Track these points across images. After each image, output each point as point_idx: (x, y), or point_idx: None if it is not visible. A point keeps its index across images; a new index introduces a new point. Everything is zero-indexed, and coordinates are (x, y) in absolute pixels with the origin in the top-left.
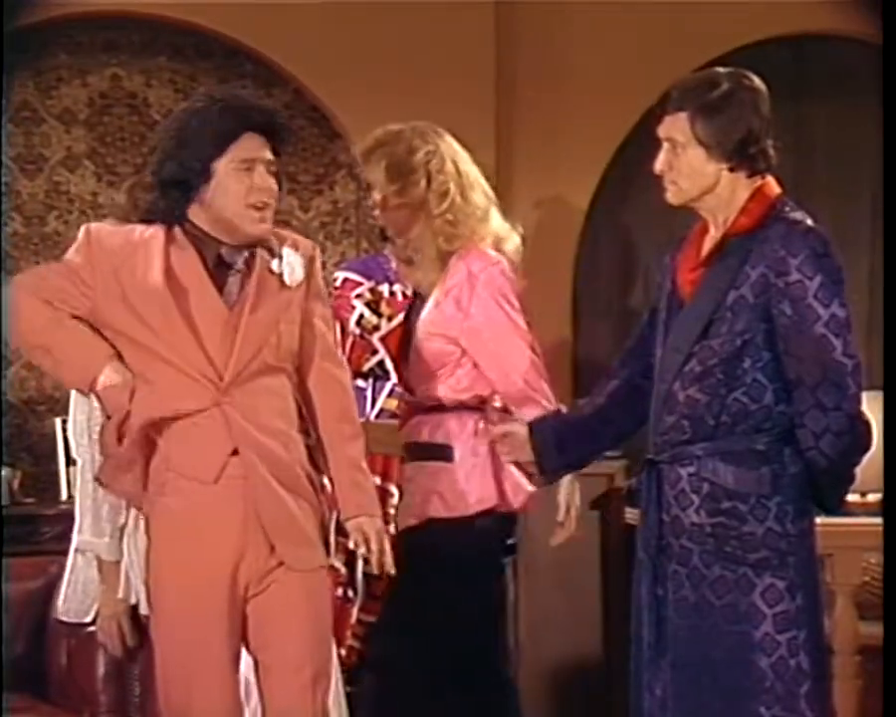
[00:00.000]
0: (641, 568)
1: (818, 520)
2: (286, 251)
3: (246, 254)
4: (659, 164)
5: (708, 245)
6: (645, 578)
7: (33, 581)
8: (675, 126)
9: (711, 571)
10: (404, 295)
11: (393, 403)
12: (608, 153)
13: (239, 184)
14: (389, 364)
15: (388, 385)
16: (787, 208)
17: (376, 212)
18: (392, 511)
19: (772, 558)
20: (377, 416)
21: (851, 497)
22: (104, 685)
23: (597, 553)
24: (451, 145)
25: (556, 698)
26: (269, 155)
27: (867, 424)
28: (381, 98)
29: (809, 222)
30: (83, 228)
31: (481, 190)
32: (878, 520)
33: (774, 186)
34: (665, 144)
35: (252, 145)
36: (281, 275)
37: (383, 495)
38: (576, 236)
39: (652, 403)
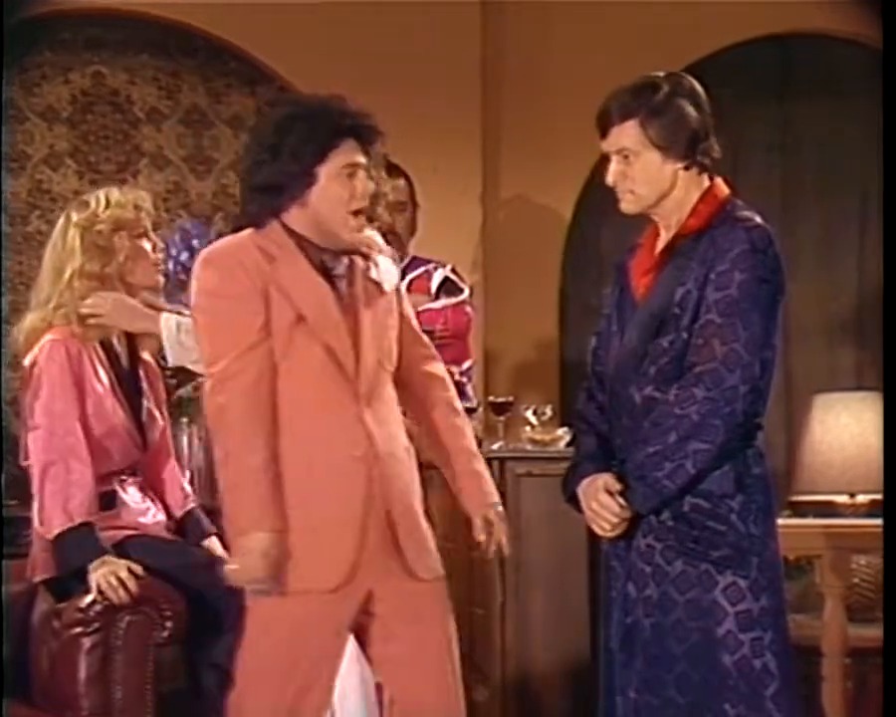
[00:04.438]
0: (609, 568)
1: (806, 521)
2: (381, 259)
3: (346, 261)
4: (612, 177)
5: (660, 247)
6: (614, 577)
7: (15, 584)
8: (625, 135)
9: (673, 567)
10: None
11: None
12: (594, 156)
13: (342, 190)
14: None
15: None
16: (737, 207)
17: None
18: None
19: (734, 556)
20: None
21: (840, 498)
22: (86, 688)
23: (585, 553)
24: None
25: (543, 699)
26: (366, 161)
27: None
28: (367, 97)
29: (757, 220)
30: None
31: None
32: (868, 521)
33: (723, 187)
34: (614, 157)
35: (352, 150)
36: (380, 283)
37: None
38: (563, 237)
39: (609, 407)
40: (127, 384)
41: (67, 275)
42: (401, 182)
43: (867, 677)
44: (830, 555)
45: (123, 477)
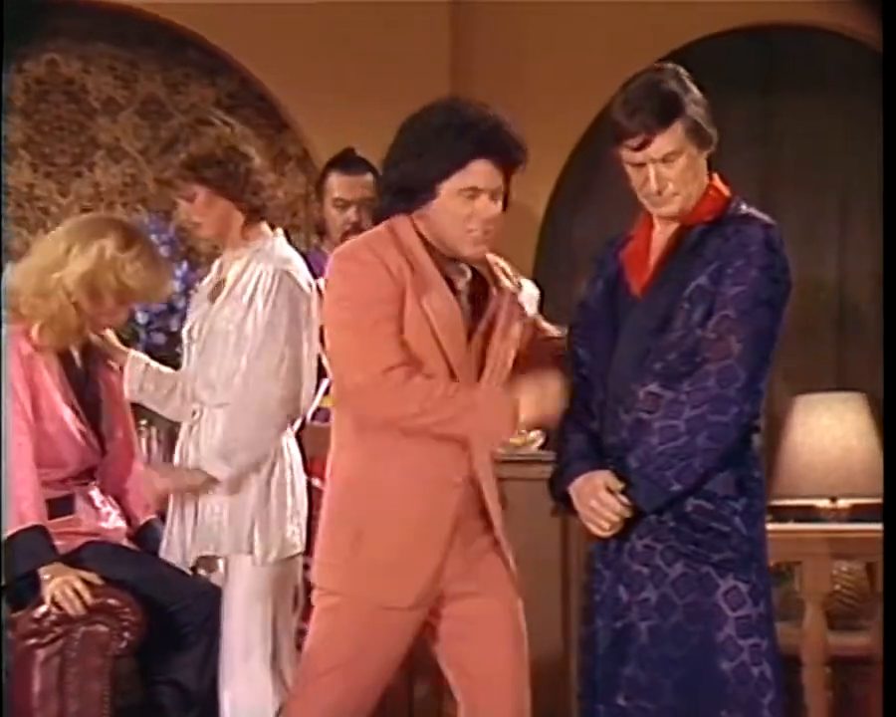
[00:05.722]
0: (594, 571)
1: (785, 526)
2: (525, 282)
3: (469, 275)
4: (656, 184)
5: (658, 241)
6: (599, 581)
7: None
8: (671, 140)
9: (673, 568)
10: None
11: (329, 401)
12: (566, 152)
13: (460, 210)
14: (325, 361)
15: (325, 383)
16: (741, 205)
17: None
18: None
19: (735, 559)
20: (314, 415)
21: (821, 503)
22: (40, 701)
23: (559, 556)
24: None
25: None
26: (496, 182)
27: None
28: (331, 95)
29: (767, 218)
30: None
31: None
32: (849, 526)
33: (723, 184)
34: (654, 166)
35: (480, 173)
36: (522, 306)
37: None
38: (536, 233)
39: (604, 403)
40: (84, 389)
41: (52, 284)
42: (368, 177)
43: (849, 686)
44: (810, 561)
45: (83, 482)
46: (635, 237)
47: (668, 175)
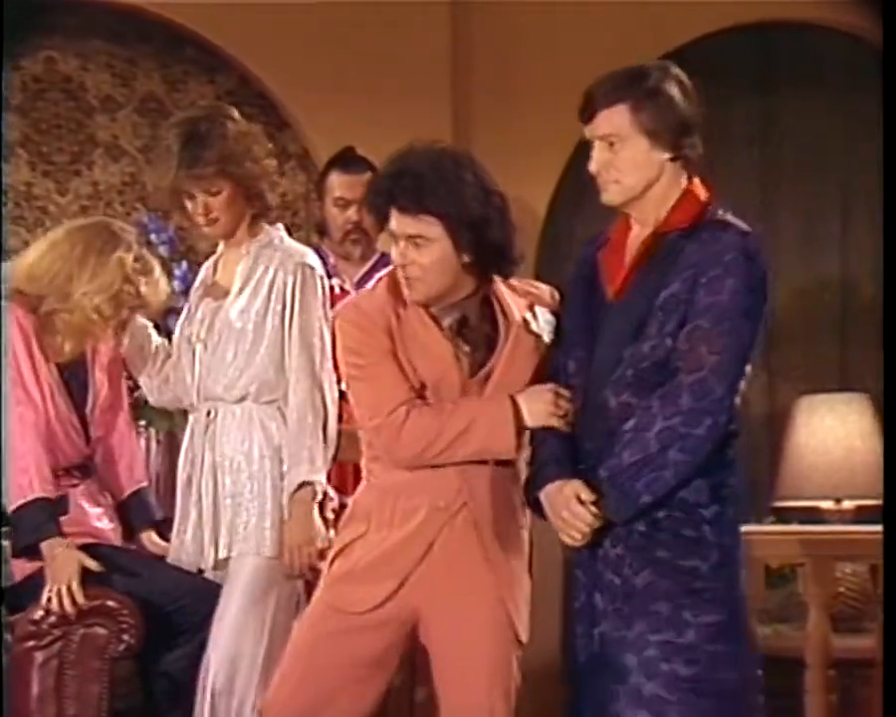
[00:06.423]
0: (573, 578)
1: (788, 527)
2: (539, 310)
3: (457, 314)
4: (596, 165)
5: (634, 244)
6: (578, 587)
7: None
8: (613, 121)
9: (640, 577)
10: (342, 289)
11: None
12: (568, 150)
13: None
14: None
15: None
16: (719, 211)
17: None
18: (331, 515)
19: (702, 567)
20: None
21: (825, 504)
22: (38, 704)
23: (559, 553)
24: None
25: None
26: (405, 229)
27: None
28: (333, 94)
29: (746, 226)
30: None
31: None
32: (853, 527)
33: (702, 188)
34: (598, 144)
35: (393, 219)
36: (539, 335)
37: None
38: (537, 232)
39: (582, 407)
40: (69, 377)
41: (76, 297)
42: (369, 176)
43: (852, 689)
44: (814, 562)
45: (74, 481)
46: (612, 238)
47: (611, 160)
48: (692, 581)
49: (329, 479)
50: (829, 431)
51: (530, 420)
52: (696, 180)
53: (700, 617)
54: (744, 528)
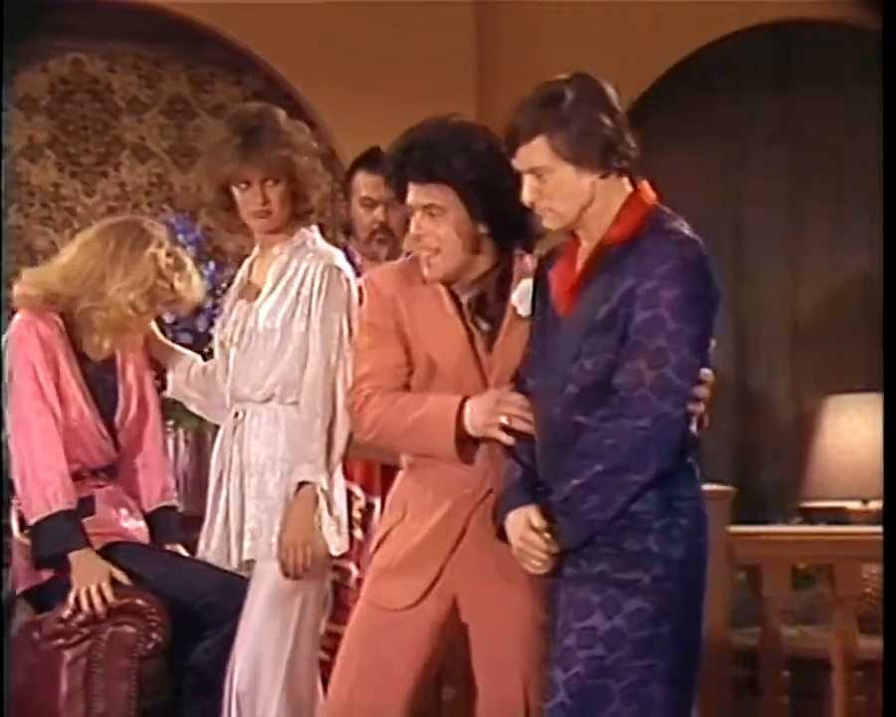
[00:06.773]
0: (551, 592)
1: (814, 529)
2: (523, 283)
3: (476, 291)
4: (528, 196)
5: (582, 258)
6: (555, 602)
7: None
8: (534, 154)
9: (577, 593)
10: None
11: None
12: None
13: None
14: None
15: None
16: (664, 217)
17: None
18: (358, 515)
19: (643, 580)
20: None
21: (851, 505)
22: (66, 702)
23: None
24: None
25: None
26: (419, 199)
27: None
28: (359, 94)
29: (687, 232)
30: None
31: None
32: (879, 528)
33: (649, 192)
34: (527, 176)
35: (411, 191)
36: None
37: (349, 499)
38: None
39: (537, 429)
40: (97, 382)
41: (111, 294)
42: None
43: (878, 691)
44: (841, 564)
45: (100, 483)
46: (563, 254)
47: (541, 190)
48: (631, 595)
49: (354, 478)
50: (856, 431)
51: (471, 429)
52: (643, 184)
53: (636, 632)
54: (771, 528)
